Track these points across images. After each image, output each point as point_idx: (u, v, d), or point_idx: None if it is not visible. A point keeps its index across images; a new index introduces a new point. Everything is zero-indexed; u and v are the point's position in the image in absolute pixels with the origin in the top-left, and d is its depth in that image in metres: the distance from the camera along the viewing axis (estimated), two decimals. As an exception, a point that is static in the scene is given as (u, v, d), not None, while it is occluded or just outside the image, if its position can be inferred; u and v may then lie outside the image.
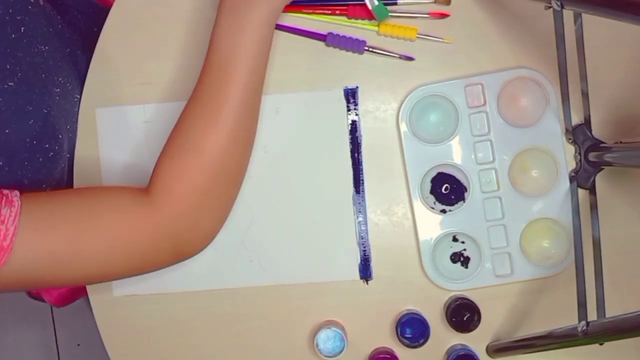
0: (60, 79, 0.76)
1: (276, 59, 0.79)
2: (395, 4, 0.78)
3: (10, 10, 0.66)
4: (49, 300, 0.98)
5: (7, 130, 0.63)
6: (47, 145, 0.69)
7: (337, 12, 0.78)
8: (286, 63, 0.79)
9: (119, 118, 0.80)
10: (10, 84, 0.65)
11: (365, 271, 0.79)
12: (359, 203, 0.79)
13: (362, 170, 0.79)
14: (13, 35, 0.66)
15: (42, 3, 0.72)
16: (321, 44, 0.79)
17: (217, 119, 0.67)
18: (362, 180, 0.79)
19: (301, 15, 0.79)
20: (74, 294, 0.97)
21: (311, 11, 0.78)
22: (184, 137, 0.68)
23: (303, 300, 0.80)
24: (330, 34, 0.78)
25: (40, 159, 0.68)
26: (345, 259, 0.79)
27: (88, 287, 0.81)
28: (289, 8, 0.78)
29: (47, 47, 0.73)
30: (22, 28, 0.68)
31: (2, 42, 0.65)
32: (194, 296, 0.80)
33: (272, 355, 0.80)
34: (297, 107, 0.79)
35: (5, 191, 0.59)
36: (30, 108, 0.67)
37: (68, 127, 0.77)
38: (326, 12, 0.78)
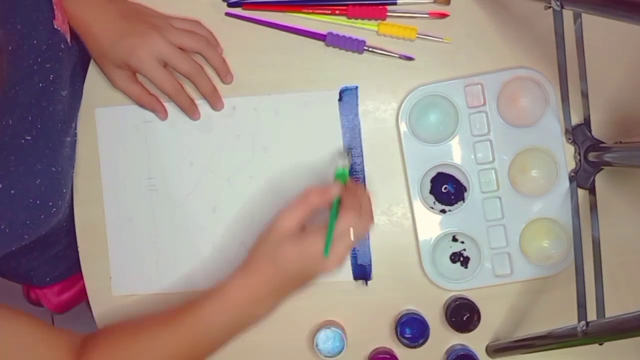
0: (72, 124, 0.75)
1: (276, 59, 0.79)
2: (395, 4, 0.78)
3: (40, 59, 0.65)
4: (49, 307, 0.98)
5: (12, 191, 0.62)
6: (51, 203, 0.68)
7: (337, 12, 0.78)
8: (286, 63, 0.79)
9: (118, 118, 0.80)
10: (27, 138, 0.64)
11: (361, 272, 0.79)
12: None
13: (362, 169, 0.79)
14: (40, 85, 0.65)
15: (70, 45, 0.72)
16: (321, 43, 0.79)
17: (168, 345, 0.66)
18: (364, 179, 0.79)
19: (301, 15, 0.79)
20: (74, 301, 0.97)
21: (311, 11, 0.78)
22: (132, 340, 0.66)
23: (303, 300, 0.79)
24: (330, 33, 0.78)
25: (42, 216, 0.67)
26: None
27: (88, 288, 0.81)
28: (289, 8, 0.79)
29: (66, 92, 0.72)
30: (51, 76, 0.67)
31: (28, 93, 0.64)
32: (183, 298, 0.80)
33: (272, 355, 0.80)
34: (296, 107, 0.79)
35: None
36: (40, 167, 0.66)
37: (72, 171, 0.76)
38: (326, 12, 0.78)
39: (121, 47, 0.72)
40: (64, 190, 0.71)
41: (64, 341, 0.66)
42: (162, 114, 0.79)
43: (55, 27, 0.67)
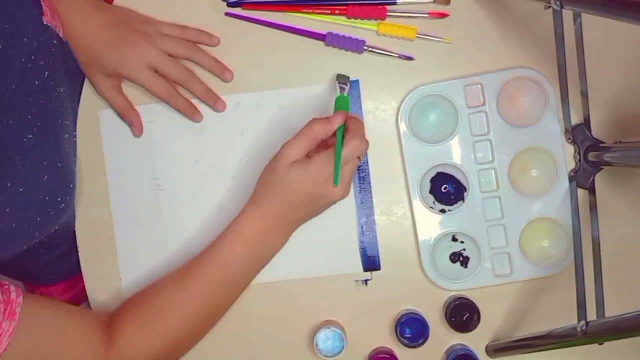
0: (67, 122, 0.75)
1: (276, 59, 0.79)
2: (395, 4, 0.78)
3: (33, 57, 0.65)
4: None
5: (21, 190, 0.62)
6: (60, 199, 0.68)
7: (337, 12, 0.78)
8: (286, 63, 0.79)
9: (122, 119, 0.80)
10: (29, 136, 0.64)
11: (371, 264, 0.79)
12: (363, 196, 0.79)
13: (367, 162, 0.79)
14: (37, 83, 0.65)
15: (64, 40, 0.71)
16: (321, 43, 0.79)
17: (193, 295, 0.68)
18: (368, 174, 0.79)
19: (301, 15, 0.79)
20: (78, 299, 0.97)
21: (311, 11, 0.78)
22: (157, 300, 0.69)
23: (303, 300, 0.80)
24: (329, 33, 0.78)
25: (52, 212, 0.68)
26: (353, 252, 0.79)
27: (88, 287, 0.81)
28: (289, 8, 0.79)
29: (64, 89, 0.72)
30: (46, 73, 0.66)
31: (26, 91, 0.64)
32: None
33: (272, 355, 0.80)
34: (299, 102, 0.79)
35: (13, 296, 0.59)
36: (46, 163, 0.66)
37: (75, 169, 0.76)
38: (326, 12, 0.78)
39: (112, 57, 0.73)
40: (71, 186, 0.71)
41: (92, 320, 0.68)
42: (138, 131, 0.79)
43: (45, 23, 0.67)
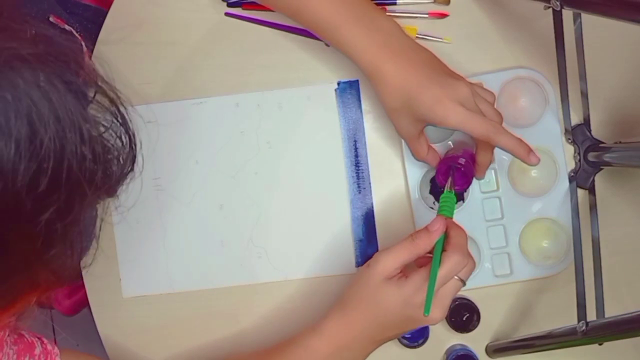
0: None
1: (276, 59, 0.79)
2: (395, 4, 0.78)
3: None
4: (60, 309, 0.97)
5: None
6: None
7: (337, 12, 0.78)
8: (286, 63, 0.79)
9: (119, 119, 0.80)
10: None
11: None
12: (363, 195, 0.79)
13: (366, 162, 0.79)
14: None
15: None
16: (321, 43, 0.79)
17: None
18: (368, 171, 0.79)
19: (301, 15, 0.79)
20: (84, 302, 0.97)
21: (311, 11, 0.78)
22: None
23: (303, 300, 0.80)
24: (329, 34, 0.78)
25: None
26: (353, 252, 0.79)
27: (87, 288, 0.81)
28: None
29: None
30: None
31: None
32: (192, 297, 0.80)
33: (272, 355, 0.80)
34: (299, 102, 0.79)
35: (49, 347, 0.60)
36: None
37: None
38: (326, 12, 0.78)
39: (426, 97, 0.66)
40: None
41: None
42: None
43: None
